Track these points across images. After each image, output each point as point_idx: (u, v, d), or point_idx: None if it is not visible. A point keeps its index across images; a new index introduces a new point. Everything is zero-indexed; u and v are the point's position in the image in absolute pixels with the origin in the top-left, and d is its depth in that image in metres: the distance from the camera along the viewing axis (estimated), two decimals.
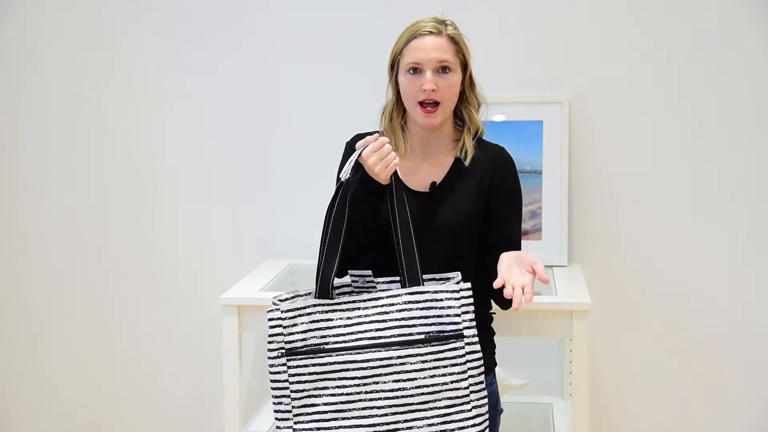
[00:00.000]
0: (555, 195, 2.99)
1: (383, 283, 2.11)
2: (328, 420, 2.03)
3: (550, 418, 2.93)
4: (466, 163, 2.21)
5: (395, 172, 2.10)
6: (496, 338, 2.30)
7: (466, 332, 2.03)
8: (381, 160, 2.06)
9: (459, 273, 2.09)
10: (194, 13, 3.16)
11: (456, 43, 2.18)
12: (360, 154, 2.07)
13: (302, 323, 2.05)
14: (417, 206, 2.17)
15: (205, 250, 3.23)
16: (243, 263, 3.13)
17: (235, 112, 3.18)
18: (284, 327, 2.05)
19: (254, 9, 3.13)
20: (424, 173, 2.23)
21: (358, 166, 2.09)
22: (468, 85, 2.23)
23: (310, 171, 3.15)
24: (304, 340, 2.05)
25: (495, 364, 2.28)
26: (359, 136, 2.23)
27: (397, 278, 2.11)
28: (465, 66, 2.21)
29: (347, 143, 2.27)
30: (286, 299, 2.10)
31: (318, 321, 2.05)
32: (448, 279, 2.09)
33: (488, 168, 2.22)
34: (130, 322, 3.29)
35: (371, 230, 2.14)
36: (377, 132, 2.26)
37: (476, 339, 2.04)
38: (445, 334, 2.03)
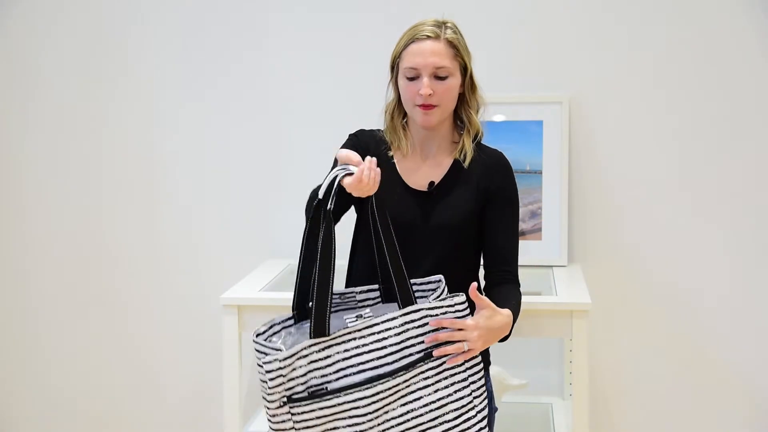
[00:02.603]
0: (555, 195, 2.99)
1: (362, 293, 2.10)
2: None
3: (550, 418, 2.93)
4: (465, 164, 2.21)
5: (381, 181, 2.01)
6: None
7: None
8: (362, 188, 1.94)
9: (441, 277, 2.06)
10: (197, 15, 3.17)
11: (454, 47, 2.16)
12: (339, 178, 1.95)
13: (300, 366, 1.93)
14: (415, 205, 2.17)
15: (205, 250, 3.23)
16: (243, 263, 3.13)
17: (236, 113, 3.19)
18: (284, 375, 1.92)
19: (256, 10, 3.14)
20: (423, 173, 2.23)
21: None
22: (468, 87, 2.22)
23: (310, 171, 3.13)
24: (305, 383, 1.94)
25: (489, 363, 2.28)
26: (363, 132, 2.26)
27: (375, 286, 2.10)
28: (465, 69, 2.20)
29: (351, 135, 2.28)
30: (264, 332, 2.02)
31: (316, 360, 1.94)
32: (429, 282, 2.07)
33: (486, 171, 2.22)
34: (130, 322, 3.29)
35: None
36: (378, 130, 2.29)
37: None
38: None
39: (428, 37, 2.14)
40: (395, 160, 2.23)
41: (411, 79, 2.15)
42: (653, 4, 2.99)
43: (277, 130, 3.17)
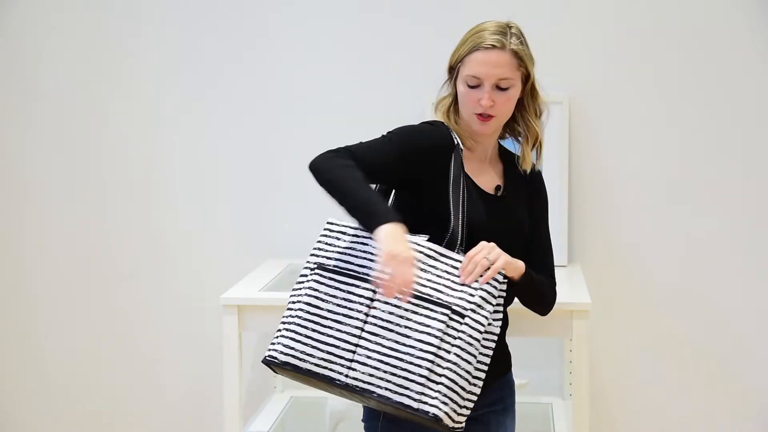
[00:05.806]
0: (555, 195, 2.98)
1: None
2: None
3: (550, 418, 2.93)
4: (527, 171, 2.17)
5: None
6: None
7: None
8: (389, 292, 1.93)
9: None
10: (197, 15, 3.17)
11: (519, 57, 2.10)
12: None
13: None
14: (486, 208, 2.11)
15: (205, 250, 3.23)
16: (243, 263, 3.12)
17: (236, 113, 3.19)
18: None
19: (256, 7, 3.14)
20: (488, 176, 2.17)
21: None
22: (529, 93, 2.15)
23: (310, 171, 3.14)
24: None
25: (510, 366, 2.30)
26: (427, 123, 2.16)
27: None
28: (527, 76, 2.13)
29: (427, 122, 2.17)
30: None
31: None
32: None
33: (530, 177, 2.20)
34: (130, 322, 3.29)
35: None
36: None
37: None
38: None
39: (494, 46, 2.09)
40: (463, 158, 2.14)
41: (472, 87, 2.09)
42: (654, 4, 2.99)
43: (277, 130, 3.17)
